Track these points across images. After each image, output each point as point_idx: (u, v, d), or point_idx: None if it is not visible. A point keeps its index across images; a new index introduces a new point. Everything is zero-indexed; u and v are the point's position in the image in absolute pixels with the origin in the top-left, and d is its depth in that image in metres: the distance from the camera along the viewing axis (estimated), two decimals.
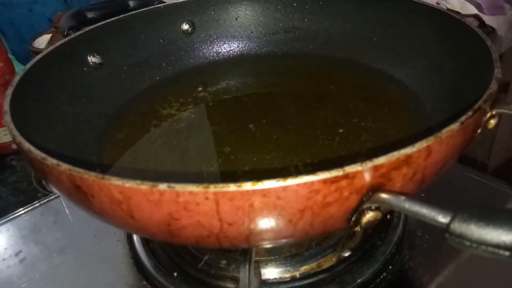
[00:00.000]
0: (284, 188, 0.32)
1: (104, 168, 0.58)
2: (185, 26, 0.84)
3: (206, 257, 0.59)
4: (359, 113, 0.62)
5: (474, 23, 1.13)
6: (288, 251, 0.58)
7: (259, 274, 0.54)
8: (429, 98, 0.64)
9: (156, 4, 0.81)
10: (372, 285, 0.56)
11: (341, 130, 0.59)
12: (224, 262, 0.58)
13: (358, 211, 0.36)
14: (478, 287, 0.56)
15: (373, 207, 0.35)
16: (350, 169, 0.33)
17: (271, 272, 0.57)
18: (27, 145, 0.40)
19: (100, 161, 0.59)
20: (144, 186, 0.33)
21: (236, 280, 0.56)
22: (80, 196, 0.37)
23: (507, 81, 1.24)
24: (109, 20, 0.74)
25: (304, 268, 0.57)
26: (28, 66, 0.57)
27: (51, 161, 0.37)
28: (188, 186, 0.32)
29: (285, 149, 0.58)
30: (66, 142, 0.58)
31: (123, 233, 0.67)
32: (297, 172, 0.52)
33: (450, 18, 0.63)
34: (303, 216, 0.35)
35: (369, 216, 0.35)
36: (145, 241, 0.64)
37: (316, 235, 0.52)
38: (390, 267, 0.58)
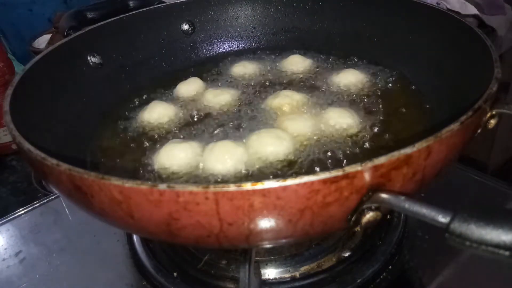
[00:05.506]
0: (284, 188, 0.32)
1: (104, 168, 0.58)
2: (185, 26, 0.84)
3: (206, 257, 0.59)
4: (359, 113, 0.62)
5: (474, 23, 1.13)
6: (288, 251, 0.58)
7: (259, 274, 0.54)
8: (429, 98, 0.64)
9: (156, 4, 0.81)
10: (372, 285, 0.56)
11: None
12: (224, 262, 0.58)
13: (358, 211, 0.36)
14: (478, 287, 0.56)
15: (373, 207, 0.35)
16: (350, 169, 0.33)
17: (271, 272, 0.57)
18: (27, 145, 0.40)
19: (100, 161, 0.59)
20: (144, 186, 0.33)
21: (236, 280, 0.56)
22: (80, 196, 0.37)
23: (507, 81, 1.24)
24: (109, 20, 0.74)
25: (304, 268, 0.57)
26: (28, 66, 0.57)
27: (51, 161, 0.37)
28: (188, 186, 0.32)
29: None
30: (66, 142, 0.58)
31: (123, 233, 0.67)
32: (296, 169, 0.53)
33: (450, 18, 0.63)
34: (303, 216, 0.35)
35: (369, 216, 0.35)
36: (145, 241, 0.64)
37: (316, 235, 0.53)
38: (390, 267, 0.58)
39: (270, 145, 0.55)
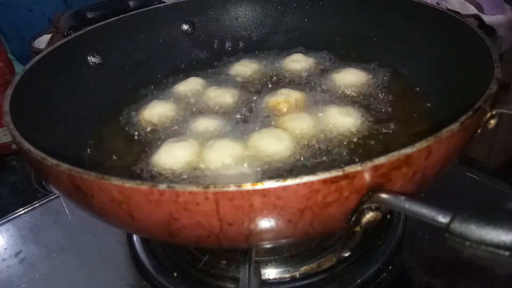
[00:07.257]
0: (284, 188, 0.32)
1: (104, 168, 0.58)
2: (185, 26, 0.84)
3: (206, 257, 0.59)
4: (359, 112, 0.62)
5: (474, 23, 1.13)
6: (288, 251, 0.58)
7: (259, 274, 0.54)
8: (429, 98, 0.64)
9: (156, 4, 0.81)
10: (372, 285, 0.56)
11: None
12: (224, 262, 0.58)
13: (358, 211, 0.36)
14: (477, 287, 0.56)
15: (373, 207, 0.35)
16: (350, 169, 0.33)
17: (271, 272, 0.57)
18: (27, 145, 0.40)
19: (100, 161, 0.59)
20: (144, 186, 0.33)
21: (236, 280, 0.56)
22: (80, 196, 0.37)
23: (507, 81, 1.24)
24: (109, 20, 0.74)
25: (304, 268, 0.57)
26: (28, 66, 0.57)
27: (51, 161, 0.37)
28: (188, 186, 0.32)
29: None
30: (66, 142, 0.58)
31: (123, 233, 0.67)
32: (296, 169, 0.53)
33: (450, 18, 0.63)
34: (303, 216, 0.35)
35: (369, 216, 0.35)
36: (145, 241, 0.64)
37: (316, 235, 0.52)
38: (390, 267, 0.58)
39: (271, 145, 0.55)
